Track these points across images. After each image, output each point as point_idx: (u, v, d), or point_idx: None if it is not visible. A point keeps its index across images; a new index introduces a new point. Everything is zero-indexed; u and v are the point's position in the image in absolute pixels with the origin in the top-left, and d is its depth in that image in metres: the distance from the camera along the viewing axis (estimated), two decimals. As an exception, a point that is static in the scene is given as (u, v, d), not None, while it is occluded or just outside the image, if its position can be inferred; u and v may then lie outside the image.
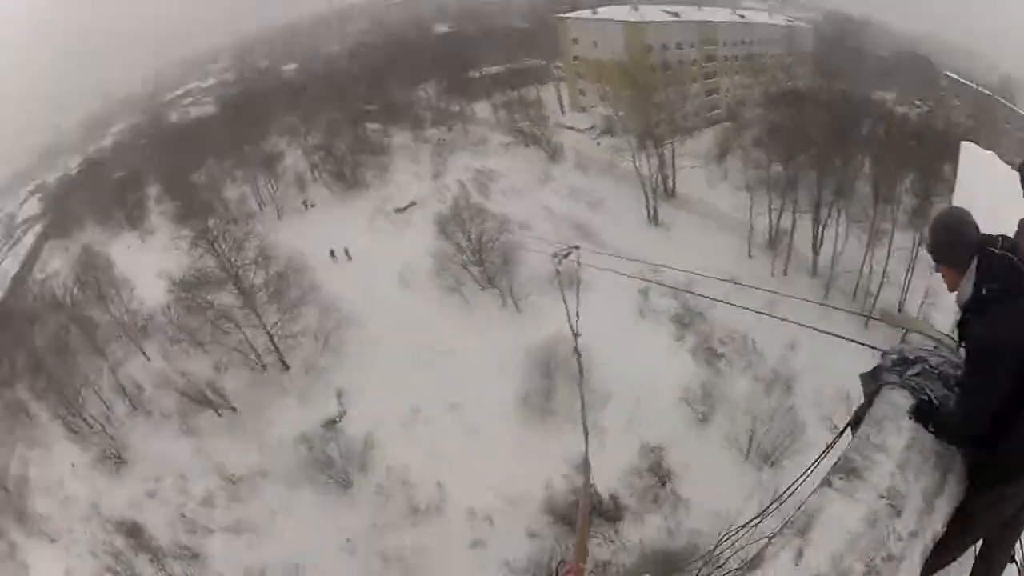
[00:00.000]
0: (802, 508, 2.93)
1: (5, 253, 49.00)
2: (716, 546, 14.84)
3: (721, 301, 21.97)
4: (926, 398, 3.13)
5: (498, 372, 25.97)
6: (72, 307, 33.62)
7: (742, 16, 52.95)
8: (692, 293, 13.94)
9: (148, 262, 35.07)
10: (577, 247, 17.88)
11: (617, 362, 23.81)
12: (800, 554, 2.76)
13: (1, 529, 27.28)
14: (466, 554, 21.82)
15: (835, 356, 26.34)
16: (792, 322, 14.54)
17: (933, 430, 3.02)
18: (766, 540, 3.04)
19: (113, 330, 31.20)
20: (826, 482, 2.98)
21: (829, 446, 4.04)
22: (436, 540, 22.19)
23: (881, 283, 28.19)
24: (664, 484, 22.73)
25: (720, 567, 14.56)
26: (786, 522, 2.96)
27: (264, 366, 28.72)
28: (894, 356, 3.36)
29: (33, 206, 54.14)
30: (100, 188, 46.53)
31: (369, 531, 22.81)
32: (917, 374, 3.22)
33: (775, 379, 25.93)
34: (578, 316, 12.81)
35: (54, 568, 25.10)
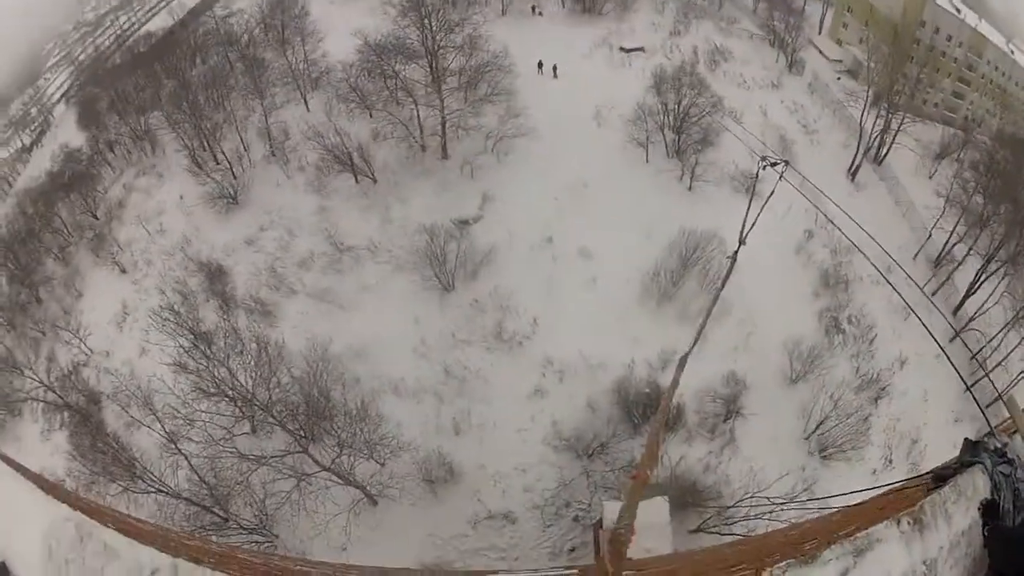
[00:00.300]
0: (868, 532, 3.19)
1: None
2: (734, 504, 15.57)
3: (883, 276, 21.47)
4: (997, 501, 3.33)
5: (643, 237, 26.19)
6: (246, 45, 34.93)
7: (1012, 51, 49.20)
8: (863, 254, 13.76)
9: (347, 17, 35.74)
10: (787, 162, 17.60)
11: (753, 286, 24.10)
12: (846, 573, 3.08)
13: (68, 255, 30.09)
14: (522, 400, 23.13)
15: (929, 403, 25.99)
16: (927, 329, 14.13)
17: (985, 533, 3.28)
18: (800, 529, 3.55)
19: (283, 75, 32.48)
20: (896, 520, 3.25)
21: (898, 487, 4.26)
22: (503, 373, 23.42)
23: (998, 364, 26.78)
24: (727, 419, 23.19)
25: (727, 524, 15.36)
26: (845, 529, 3.28)
27: (424, 147, 29.32)
28: (998, 444, 3.56)
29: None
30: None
31: (447, 340, 24.14)
32: (1005, 475, 3.40)
33: (872, 383, 25.62)
34: (753, 226, 12.97)
35: (112, 298, 27.55)
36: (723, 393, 23.38)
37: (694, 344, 10.66)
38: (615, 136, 30.45)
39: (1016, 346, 27.71)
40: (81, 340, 26.74)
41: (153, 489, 20.80)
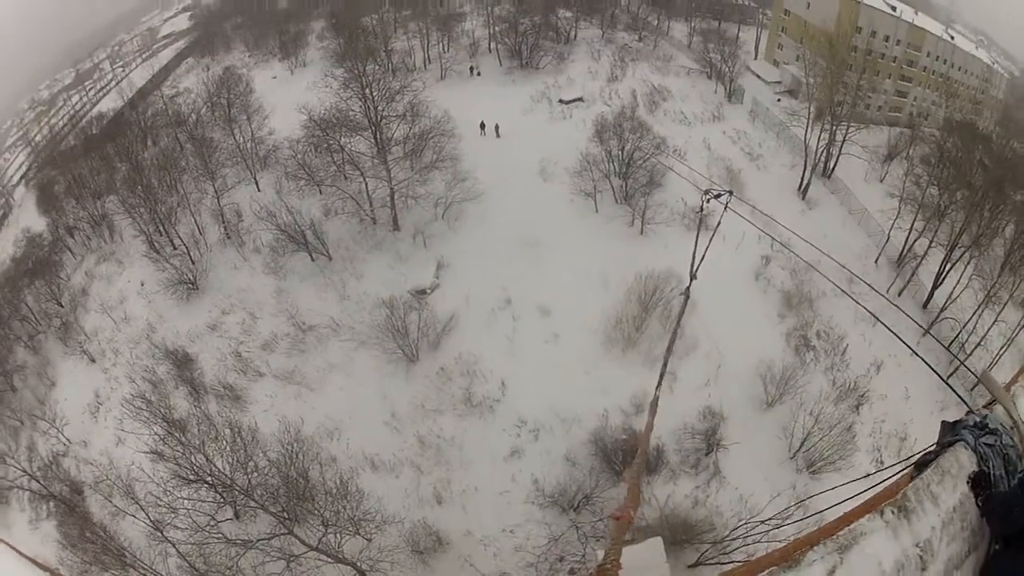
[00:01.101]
0: (852, 527, 3.15)
1: (137, 64, 52.20)
2: (728, 534, 15.70)
3: (844, 291, 22.04)
4: (987, 471, 3.34)
5: (600, 287, 26.58)
6: (194, 126, 35.39)
7: (952, 37, 51.85)
8: (821, 273, 14.10)
9: (291, 94, 36.60)
10: (730, 192, 18.20)
11: (715, 316, 24.59)
12: (832, 572, 3.01)
13: (37, 344, 30.02)
14: (500, 462, 23.14)
15: (911, 399, 26.44)
16: (896, 335, 14.59)
17: (980, 504, 3.31)
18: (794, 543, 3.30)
19: (232, 155, 32.97)
20: (879, 511, 3.21)
21: (886, 479, 4.46)
22: (477, 437, 23.44)
23: (977, 344, 27.62)
24: (709, 453, 23.32)
25: (725, 554, 15.47)
26: (831, 532, 3.16)
27: (374, 220, 29.77)
28: (977, 419, 3.57)
29: (181, 22, 56.46)
30: (261, 15, 49.11)
31: (417, 410, 24.18)
32: (990, 445, 3.42)
33: (850, 391, 26.04)
34: (702, 260, 13.36)
35: (84, 388, 27.50)
36: (701, 428, 23.52)
37: (660, 383, 10.86)
38: (562, 189, 31.12)
39: (992, 323, 28.44)
40: (59, 430, 26.64)
41: None
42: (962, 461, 3.42)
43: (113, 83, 52.48)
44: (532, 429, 23.46)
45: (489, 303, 26.42)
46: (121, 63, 54.86)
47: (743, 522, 21.97)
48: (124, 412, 24.11)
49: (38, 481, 24.69)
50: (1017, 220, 30.51)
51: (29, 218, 36.32)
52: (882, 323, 18.59)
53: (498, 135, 35.20)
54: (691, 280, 14.71)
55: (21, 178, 44.42)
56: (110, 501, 23.26)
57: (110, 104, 47.05)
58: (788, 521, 20.48)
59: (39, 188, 38.32)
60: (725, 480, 23.62)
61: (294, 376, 25.62)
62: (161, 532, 20.99)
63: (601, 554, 17.66)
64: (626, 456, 21.97)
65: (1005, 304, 29.02)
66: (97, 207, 34.02)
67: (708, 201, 17.83)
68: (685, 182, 28.14)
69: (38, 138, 47.78)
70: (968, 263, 30.02)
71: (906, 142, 38.79)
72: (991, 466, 3.36)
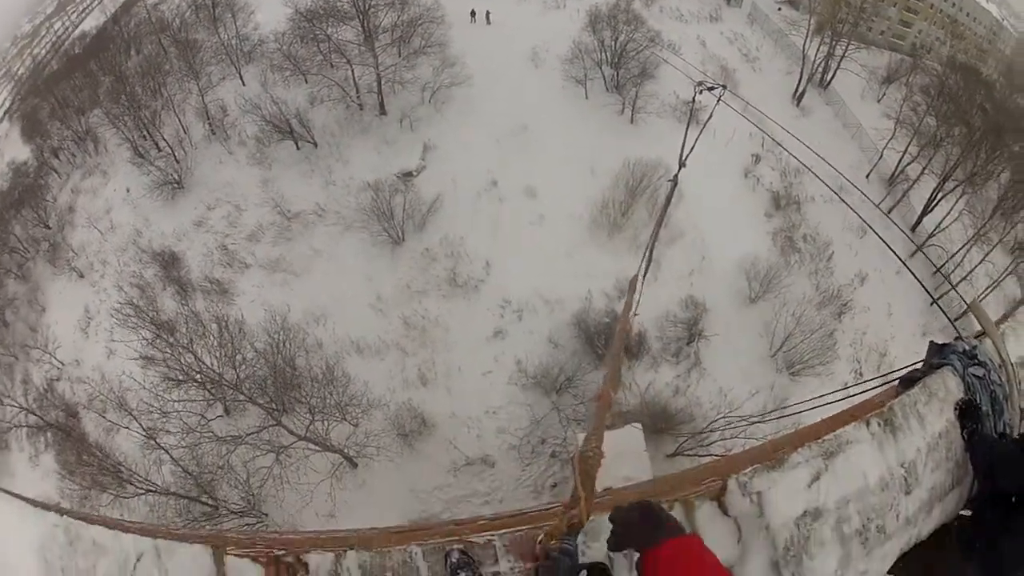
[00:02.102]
0: (837, 433, 3.10)
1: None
2: (707, 426, 16.03)
3: (837, 194, 22.09)
4: (975, 403, 3.29)
5: (588, 172, 26.56)
6: (179, 29, 34.58)
7: None
8: (813, 173, 14.14)
9: None
10: (724, 86, 18.01)
11: (702, 207, 24.85)
12: (817, 478, 2.98)
13: (27, 272, 29.98)
14: (483, 343, 23.50)
15: (893, 316, 26.94)
16: (886, 244, 14.68)
17: (965, 436, 3.24)
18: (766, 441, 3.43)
19: (216, 53, 32.40)
20: (865, 421, 3.16)
21: (870, 389, 4.33)
22: (462, 318, 23.71)
23: (962, 279, 27.83)
24: (690, 342, 23.78)
25: (704, 446, 15.79)
26: (815, 435, 3.12)
27: (361, 106, 29.45)
28: (966, 347, 3.49)
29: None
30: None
31: (402, 292, 24.38)
32: (978, 377, 3.37)
33: (833, 298, 26.35)
34: (692, 150, 13.35)
35: (74, 306, 27.58)
36: (683, 317, 23.91)
37: (643, 264, 11.02)
38: (553, 76, 30.72)
39: (980, 261, 28.64)
40: (51, 355, 26.78)
41: (142, 490, 21.03)
42: (949, 386, 3.39)
43: (95, 1, 50.89)
44: (516, 310, 23.74)
45: (475, 185, 26.36)
46: (103, -20, 53.10)
47: (722, 415, 22.63)
48: (113, 322, 24.43)
49: (34, 413, 25.03)
50: (1014, 168, 30.51)
51: (14, 150, 35.67)
52: (873, 231, 18.65)
53: (489, 22, 34.60)
54: (680, 168, 14.77)
55: (4, 113, 43.63)
56: (104, 417, 23.66)
57: (92, 23, 45.66)
58: (767, 419, 21.13)
59: (23, 118, 37.48)
60: (705, 372, 24.15)
61: (280, 264, 25.68)
62: (154, 440, 21.49)
63: (582, 438, 18.12)
64: (608, 340, 22.39)
65: (995, 246, 29.23)
66: (81, 123, 33.42)
67: (701, 92, 17.75)
68: (678, 75, 28.08)
69: (21, 71, 46.61)
70: (960, 197, 29.97)
71: (907, 69, 38.19)
72: (978, 400, 3.33)
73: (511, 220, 25.53)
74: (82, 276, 28.78)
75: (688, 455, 22.14)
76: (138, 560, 3.54)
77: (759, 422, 20.48)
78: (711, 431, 21.64)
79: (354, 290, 24.49)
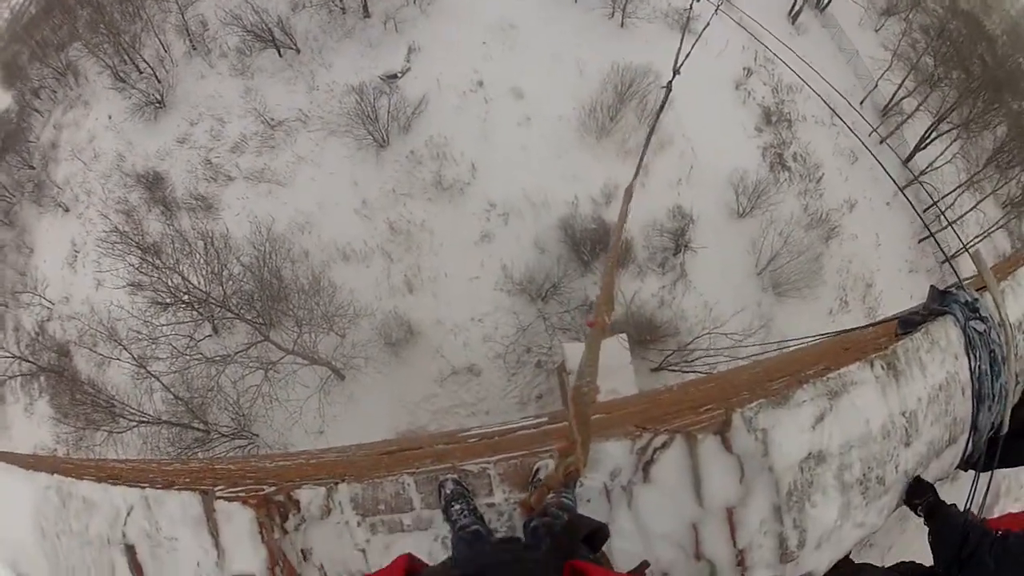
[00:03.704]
0: (841, 372, 2.97)
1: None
2: (691, 341, 15.85)
3: (835, 112, 21.62)
4: (923, 481, 3.13)
5: (576, 74, 26.02)
6: (156, -52, 33.86)
7: None
8: (811, 88, 13.78)
9: None
10: None
11: (691, 117, 24.38)
12: (821, 419, 2.84)
13: (13, 216, 29.65)
14: (470, 247, 23.32)
15: (881, 247, 26.87)
16: (882, 166, 14.21)
17: (921, 513, 3.09)
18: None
19: (196, -32, 31.03)
20: (870, 362, 3.03)
21: (867, 326, 3.97)
22: (448, 222, 23.48)
23: (955, 220, 27.34)
24: (677, 253, 23.69)
25: (688, 362, 15.57)
26: (820, 373, 3.00)
27: (344, 9, 28.69)
28: (968, 298, 3.36)
29: None
30: None
31: (387, 196, 24.08)
32: (979, 332, 3.26)
33: (821, 221, 26.15)
34: (687, 57, 12.90)
35: (61, 242, 27.36)
36: (670, 227, 23.76)
37: (636, 174, 10.70)
38: None
39: (971, 208, 28.33)
40: (40, 295, 26.62)
41: (134, 423, 21.08)
42: (951, 337, 3.27)
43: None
44: (502, 213, 23.50)
45: (461, 86, 25.80)
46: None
47: (707, 331, 22.61)
48: (100, 252, 24.11)
49: (28, 360, 24.96)
50: (1011, 125, 30.15)
51: None
52: (871, 153, 18.46)
53: None
54: (674, 74, 14.34)
55: None
56: (94, 351, 23.66)
57: (70, -40, 44.10)
58: (752, 341, 21.08)
59: (3, 67, 36.50)
60: (691, 284, 24.14)
61: (264, 174, 25.31)
62: (144, 367, 21.52)
63: (568, 348, 17.84)
64: (594, 246, 22.26)
65: (987, 196, 28.90)
66: (61, 59, 32.54)
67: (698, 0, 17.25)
68: (680, -22, 27.08)
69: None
70: (955, 140, 29.56)
71: (907, 4, 36.42)
72: (977, 356, 3.21)
73: (497, 121, 25.06)
74: (67, 210, 28.50)
75: (672, 370, 22.23)
76: (128, 513, 3.54)
77: (742, 344, 20.56)
78: (696, 348, 21.69)
79: (339, 196, 24.21)
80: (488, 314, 22.55)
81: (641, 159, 12.19)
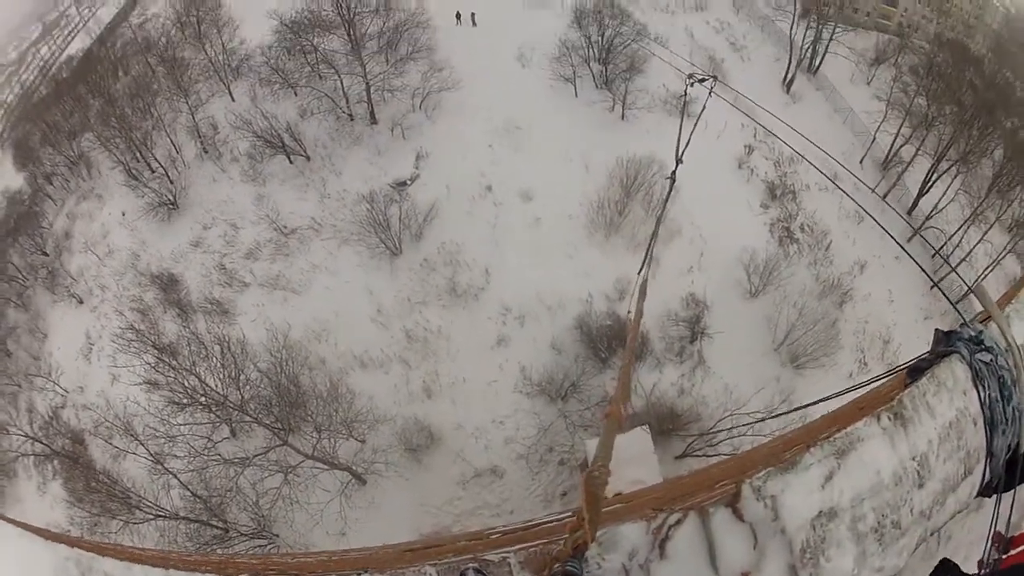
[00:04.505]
0: (848, 431, 3.05)
1: (103, 2, 50.78)
2: (714, 425, 15.58)
3: (832, 181, 21.56)
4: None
5: (582, 171, 26.20)
6: (165, 48, 34.06)
7: None
8: (808, 162, 13.81)
9: (260, 2, 34.04)
10: (715, 77, 17.59)
11: (698, 203, 24.27)
12: (830, 477, 2.95)
13: (26, 300, 29.67)
14: (487, 351, 23.25)
15: (895, 303, 26.50)
16: (884, 229, 14.19)
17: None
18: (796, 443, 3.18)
19: (204, 70, 31.99)
20: (876, 416, 3.11)
21: (875, 379, 4.10)
22: (464, 327, 23.46)
23: (962, 260, 27.42)
24: (693, 341, 23.42)
25: (712, 446, 15.35)
26: (824, 431, 3.12)
27: (351, 116, 29.17)
28: (972, 332, 3.40)
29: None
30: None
31: (402, 303, 24.13)
32: (986, 363, 3.29)
33: (834, 288, 25.94)
34: (687, 144, 12.93)
35: (75, 332, 27.38)
36: (685, 315, 23.60)
37: (645, 267, 10.62)
38: (541, 75, 30.18)
39: (978, 241, 28.11)
40: (55, 382, 26.50)
41: (151, 516, 20.83)
42: (957, 374, 3.30)
43: (80, 24, 50.33)
44: (517, 316, 23.45)
45: (470, 191, 26.00)
46: (87, 4, 52.51)
47: (729, 414, 22.23)
48: (115, 347, 24.11)
49: (41, 442, 24.77)
50: (1006, 145, 30.11)
51: (7, 178, 35.39)
52: (871, 216, 18.24)
53: (474, 24, 33.99)
54: (677, 164, 14.34)
55: None
56: (110, 443, 23.48)
57: (79, 45, 45.12)
58: (773, 415, 20.69)
59: (14, 146, 37.15)
60: (710, 370, 23.83)
61: (279, 281, 25.39)
62: (161, 464, 21.32)
63: (589, 445, 17.63)
64: (611, 342, 22.04)
65: (992, 225, 28.76)
66: (73, 148, 33.03)
67: (692, 85, 17.31)
68: (667, 68, 27.50)
69: (10, 98, 46.16)
70: (955, 177, 29.50)
71: (895, 49, 37.66)
72: (986, 386, 3.23)
73: (508, 225, 25.20)
74: (81, 302, 28.49)
75: (697, 455, 21.85)
76: None
77: (765, 419, 20.15)
78: (718, 431, 21.33)
79: (354, 304, 24.21)
80: (509, 416, 22.27)
81: (649, 252, 12.07)
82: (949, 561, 3.22)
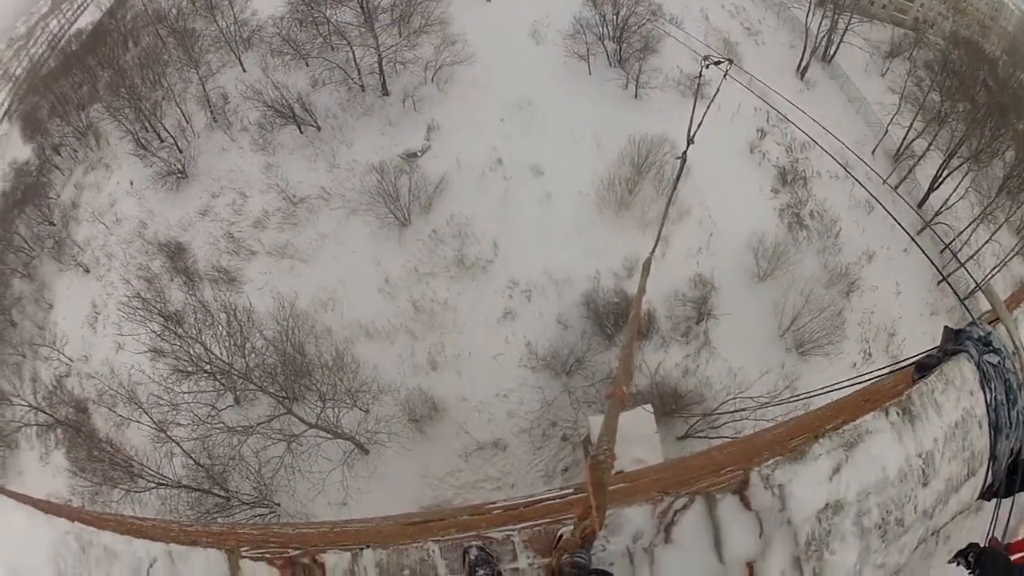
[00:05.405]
0: (857, 424, 3.05)
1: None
2: (718, 407, 15.50)
3: (845, 169, 21.36)
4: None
5: (593, 149, 26.04)
6: (176, 19, 33.76)
7: None
8: (822, 148, 13.68)
9: None
10: (730, 60, 17.47)
11: (709, 184, 24.18)
12: (838, 470, 2.95)
13: (32, 270, 29.76)
14: (493, 325, 23.20)
15: (901, 295, 26.40)
16: (895, 219, 13.98)
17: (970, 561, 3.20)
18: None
19: (215, 41, 31.73)
20: (884, 411, 3.10)
21: (883, 370, 4.10)
22: (471, 300, 23.41)
23: (970, 257, 27.24)
24: (699, 321, 23.37)
25: (714, 428, 15.25)
26: (828, 422, 3.17)
27: (363, 87, 28.97)
28: (981, 333, 3.39)
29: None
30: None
31: (410, 274, 24.08)
32: (993, 365, 3.28)
33: (841, 276, 25.84)
34: (700, 125, 12.81)
35: (81, 301, 27.43)
36: (692, 296, 23.54)
37: (655, 247, 10.59)
38: (555, 51, 29.90)
39: (987, 240, 27.97)
40: (59, 351, 26.47)
41: (153, 484, 20.86)
42: (965, 374, 3.29)
43: (90, -3, 50.04)
44: (524, 290, 23.38)
45: (480, 164, 25.83)
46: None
47: (732, 396, 22.18)
48: (121, 316, 24.06)
49: (44, 411, 24.80)
50: (1018, 147, 29.92)
51: (15, 150, 35.33)
52: (882, 206, 18.16)
53: None
54: (688, 144, 14.18)
55: (4, 114, 43.05)
56: (114, 411, 23.46)
57: (88, 18, 44.89)
58: (778, 401, 20.62)
59: (22, 118, 37.02)
60: (715, 351, 23.80)
61: (287, 250, 25.32)
62: (165, 432, 21.34)
63: (593, 422, 17.48)
64: (617, 319, 21.98)
65: (1001, 225, 28.67)
66: (81, 119, 32.90)
67: (707, 67, 17.09)
68: (681, 49, 27.22)
69: (18, 71, 45.97)
70: (966, 174, 29.38)
71: (910, 43, 37.41)
72: (992, 387, 3.23)
73: (518, 199, 25.05)
74: (88, 271, 28.52)
75: (699, 437, 21.82)
76: (151, 566, 3.52)
77: (770, 404, 20.09)
78: (722, 413, 21.31)
79: (362, 274, 24.15)
80: (513, 390, 22.28)
81: (660, 231, 12.06)
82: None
